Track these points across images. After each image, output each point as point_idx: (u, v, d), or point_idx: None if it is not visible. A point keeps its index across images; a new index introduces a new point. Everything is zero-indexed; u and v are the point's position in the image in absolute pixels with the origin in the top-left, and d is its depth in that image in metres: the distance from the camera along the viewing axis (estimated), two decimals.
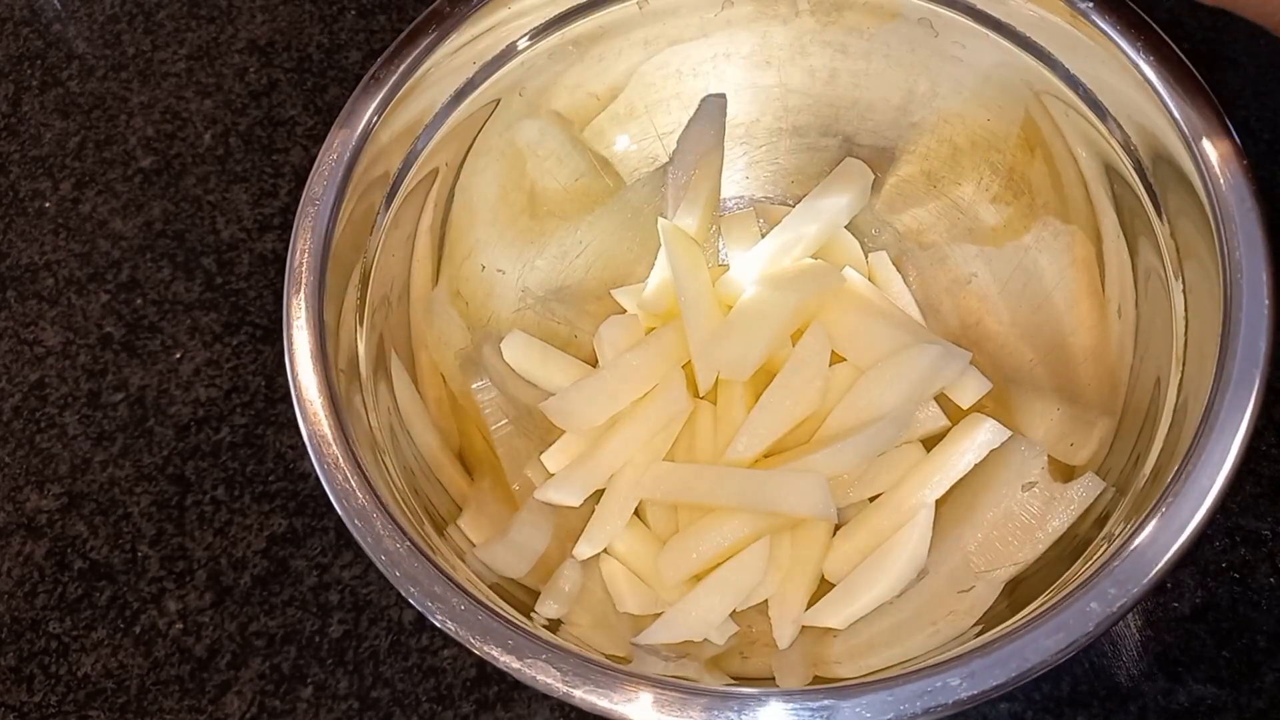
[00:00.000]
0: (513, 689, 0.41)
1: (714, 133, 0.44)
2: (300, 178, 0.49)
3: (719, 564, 0.38)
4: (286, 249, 0.35)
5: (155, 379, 0.47)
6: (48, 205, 0.51)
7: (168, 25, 0.54)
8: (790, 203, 0.45)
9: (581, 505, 0.40)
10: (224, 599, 0.43)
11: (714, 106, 0.44)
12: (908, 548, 0.38)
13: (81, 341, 0.48)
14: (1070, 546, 0.35)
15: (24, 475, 0.46)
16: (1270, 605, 0.40)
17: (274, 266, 0.48)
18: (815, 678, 0.34)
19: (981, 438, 0.39)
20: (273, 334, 0.47)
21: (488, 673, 0.41)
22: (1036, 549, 0.36)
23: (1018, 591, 0.35)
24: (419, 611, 0.31)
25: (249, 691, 0.41)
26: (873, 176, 0.44)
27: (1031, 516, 0.37)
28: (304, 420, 0.33)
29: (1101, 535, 0.33)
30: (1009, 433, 0.39)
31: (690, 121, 0.44)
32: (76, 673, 0.42)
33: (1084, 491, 0.36)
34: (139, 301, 0.48)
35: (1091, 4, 0.35)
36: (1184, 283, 0.34)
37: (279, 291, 0.34)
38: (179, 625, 0.43)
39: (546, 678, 0.29)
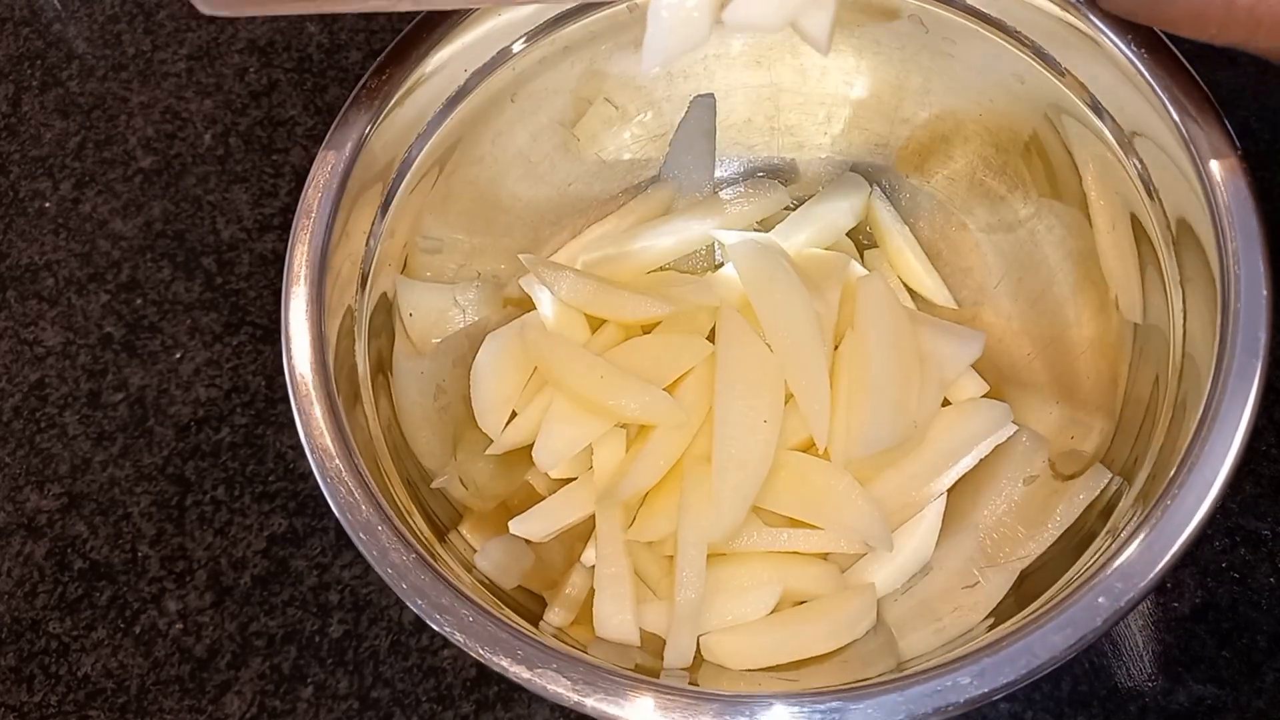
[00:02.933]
0: (513, 689, 0.41)
1: (705, 133, 0.44)
2: (300, 177, 0.49)
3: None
4: (285, 250, 0.35)
5: (155, 379, 0.47)
6: (48, 205, 0.51)
7: (168, 25, 0.54)
8: (790, 204, 0.45)
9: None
10: (224, 599, 0.43)
11: (703, 107, 0.44)
12: (914, 539, 0.38)
13: (81, 341, 0.48)
14: (1076, 540, 0.35)
15: (24, 475, 0.46)
16: (1270, 605, 0.40)
17: (274, 266, 0.48)
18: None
19: (981, 423, 0.39)
20: (273, 334, 0.47)
21: (488, 673, 0.41)
22: (1042, 543, 0.36)
23: (1024, 586, 0.35)
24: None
25: (249, 691, 0.41)
26: (869, 189, 0.44)
27: (1036, 510, 0.37)
28: (306, 433, 0.32)
29: (1106, 529, 0.33)
30: (1014, 426, 0.39)
31: (681, 123, 0.44)
32: (76, 673, 0.42)
33: (1090, 484, 0.36)
34: (139, 301, 0.48)
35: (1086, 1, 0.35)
36: (1182, 276, 0.34)
37: (279, 291, 0.34)
38: (179, 625, 0.43)
39: (557, 687, 0.29)
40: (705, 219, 0.44)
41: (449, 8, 0.36)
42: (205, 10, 0.30)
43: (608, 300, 0.41)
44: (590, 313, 0.42)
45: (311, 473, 0.32)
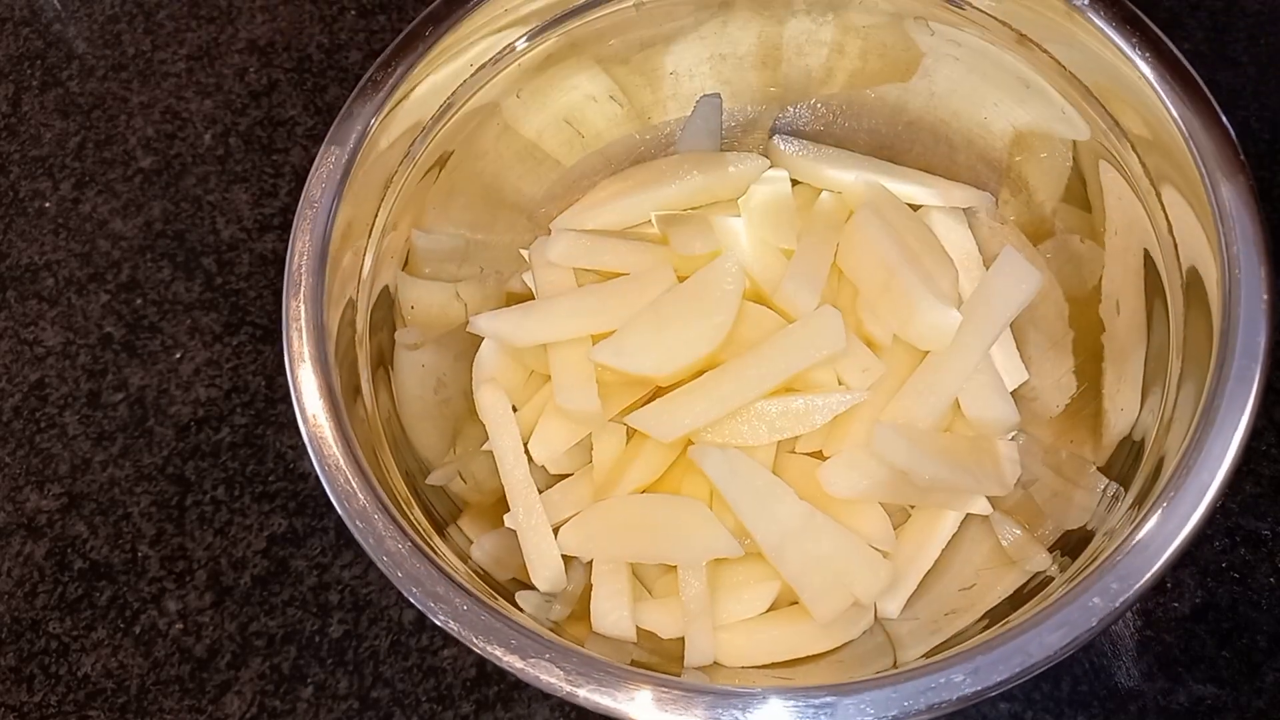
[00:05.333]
0: (513, 689, 0.41)
1: (711, 133, 0.44)
2: (300, 178, 0.49)
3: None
4: (286, 249, 0.35)
5: (155, 379, 0.47)
6: (48, 205, 0.51)
7: (168, 25, 0.54)
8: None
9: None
10: (224, 599, 0.43)
11: (710, 107, 0.44)
12: (924, 558, 0.38)
13: (81, 341, 0.48)
14: (1073, 541, 0.35)
15: (24, 475, 0.46)
16: (1270, 605, 0.40)
17: (274, 266, 0.48)
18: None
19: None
20: (273, 334, 0.47)
21: (488, 672, 0.41)
22: (1040, 544, 0.36)
23: (1020, 586, 0.35)
24: (419, 611, 0.31)
25: (249, 691, 0.41)
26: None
27: (1034, 512, 0.37)
28: (304, 423, 0.33)
29: (1104, 530, 0.33)
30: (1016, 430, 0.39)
31: (687, 122, 0.44)
32: (76, 673, 0.42)
33: (1089, 487, 0.36)
34: (139, 301, 0.48)
35: (1088, 2, 0.35)
36: (1183, 279, 0.34)
37: (279, 291, 0.34)
38: (179, 625, 0.43)
39: (550, 677, 0.29)
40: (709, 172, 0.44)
41: None
42: None
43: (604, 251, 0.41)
44: (587, 267, 0.42)
45: (311, 472, 0.32)
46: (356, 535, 0.31)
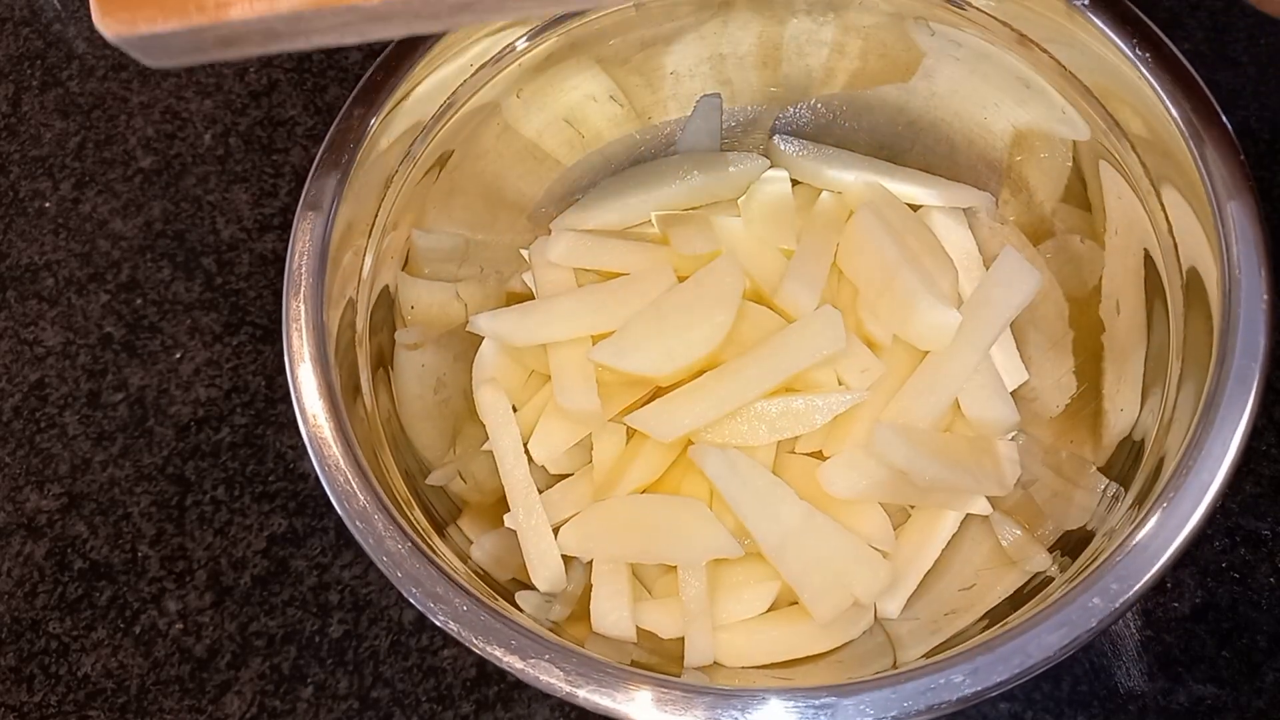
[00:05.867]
0: (513, 689, 0.41)
1: (711, 133, 0.44)
2: (300, 178, 0.49)
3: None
4: (286, 249, 0.35)
5: (155, 379, 0.47)
6: (48, 205, 0.51)
7: None
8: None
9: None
10: (224, 599, 0.43)
11: (710, 107, 0.44)
12: (924, 557, 0.38)
13: (81, 341, 0.48)
14: (1072, 542, 0.35)
15: (24, 475, 0.46)
16: (1270, 605, 0.40)
17: (274, 266, 0.48)
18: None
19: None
20: (273, 334, 0.47)
21: (488, 672, 0.41)
22: (1040, 545, 0.36)
23: (1019, 587, 0.35)
24: (419, 611, 0.31)
25: (249, 691, 0.41)
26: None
27: (1034, 513, 0.37)
28: (304, 423, 0.33)
29: (1104, 530, 0.33)
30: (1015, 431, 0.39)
31: (687, 122, 0.44)
32: (76, 673, 0.42)
33: (1088, 487, 0.36)
34: (139, 301, 0.48)
35: (1088, 2, 0.35)
36: (1183, 279, 0.34)
37: (279, 291, 0.34)
38: (179, 625, 0.43)
39: (550, 678, 0.29)
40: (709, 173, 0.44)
41: (432, 30, 0.35)
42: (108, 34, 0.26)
43: (606, 251, 0.41)
44: (589, 267, 0.42)
45: (311, 472, 0.32)
46: (356, 535, 0.31)
